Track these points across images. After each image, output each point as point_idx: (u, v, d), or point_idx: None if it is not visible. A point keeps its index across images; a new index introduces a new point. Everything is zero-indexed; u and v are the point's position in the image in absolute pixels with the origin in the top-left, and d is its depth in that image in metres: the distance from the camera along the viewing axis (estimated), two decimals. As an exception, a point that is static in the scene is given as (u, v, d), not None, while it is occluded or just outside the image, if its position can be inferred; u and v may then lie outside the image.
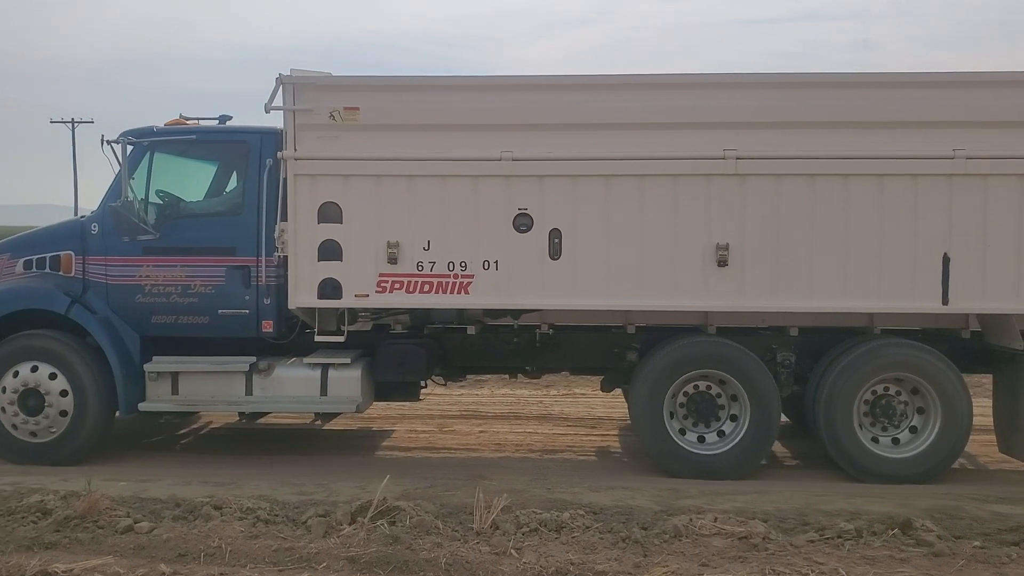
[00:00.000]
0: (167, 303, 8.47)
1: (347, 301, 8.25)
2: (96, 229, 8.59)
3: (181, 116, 9.01)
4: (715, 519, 6.43)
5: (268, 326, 8.45)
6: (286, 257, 8.24)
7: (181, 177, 8.89)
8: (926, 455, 8.05)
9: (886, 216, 7.88)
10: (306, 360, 8.52)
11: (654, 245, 8.00)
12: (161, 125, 8.85)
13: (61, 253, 8.67)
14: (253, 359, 8.49)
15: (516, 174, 8.02)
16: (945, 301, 7.91)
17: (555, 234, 8.05)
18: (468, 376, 9.72)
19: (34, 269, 8.74)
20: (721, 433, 8.29)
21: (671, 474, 8.13)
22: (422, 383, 9.10)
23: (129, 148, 8.45)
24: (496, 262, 8.09)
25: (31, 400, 8.40)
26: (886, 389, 8.17)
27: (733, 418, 8.26)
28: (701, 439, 8.31)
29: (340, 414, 9.02)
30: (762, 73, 8.20)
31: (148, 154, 8.60)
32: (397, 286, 8.18)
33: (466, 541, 6.14)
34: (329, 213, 8.15)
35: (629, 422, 9.13)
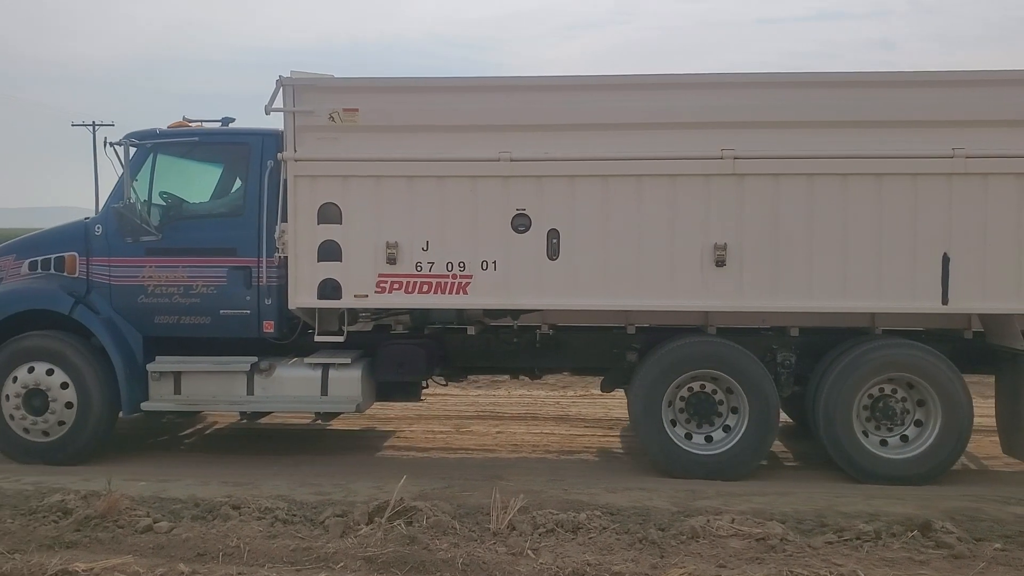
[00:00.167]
0: (169, 303, 8.54)
1: (347, 301, 8.29)
2: (100, 230, 8.68)
3: (184, 118, 9.10)
4: (732, 520, 6.42)
5: (269, 326, 8.51)
6: (287, 258, 8.30)
7: (184, 179, 8.97)
8: (926, 456, 8.00)
9: (885, 216, 7.85)
10: (307, 360, 8.58)
11: (652, 245, 8.00)
12: (164, 127, 8.93)
13: (65, 254, 8.76)
14: (254, 359, 8.56)
15: (514, 175, 8.04)
16: (945, 301, 7.87)
17: (553, 234, 8.07)
18: (469, 376, 9.75)
19: (39, 270, 8.84)
20: (720, 433, 8.27)
21: (670, 474, 8.13)
22: (423, 383, 9.14)
23: (132, 150, 8.55)
24: (494, 262, 8.12)
25: (36, 400, 8.50)
26: (886, 390, 8.13)
27: (732, 418, 8.25)
28: (700, 439, 8.30)
29: (341, 414, 9.06)
30: (760, 73, 8.20)
31: (151, 156, 8.68)
32: (396, 286, 8.22)
33: (483, 542, 6.15)
34: (329, 214, 8.20)
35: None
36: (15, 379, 8.51)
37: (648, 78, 8.16)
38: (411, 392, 9.09)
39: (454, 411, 11.26)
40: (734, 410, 8.24)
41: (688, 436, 8.30)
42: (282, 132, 8.27)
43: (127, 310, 8.60)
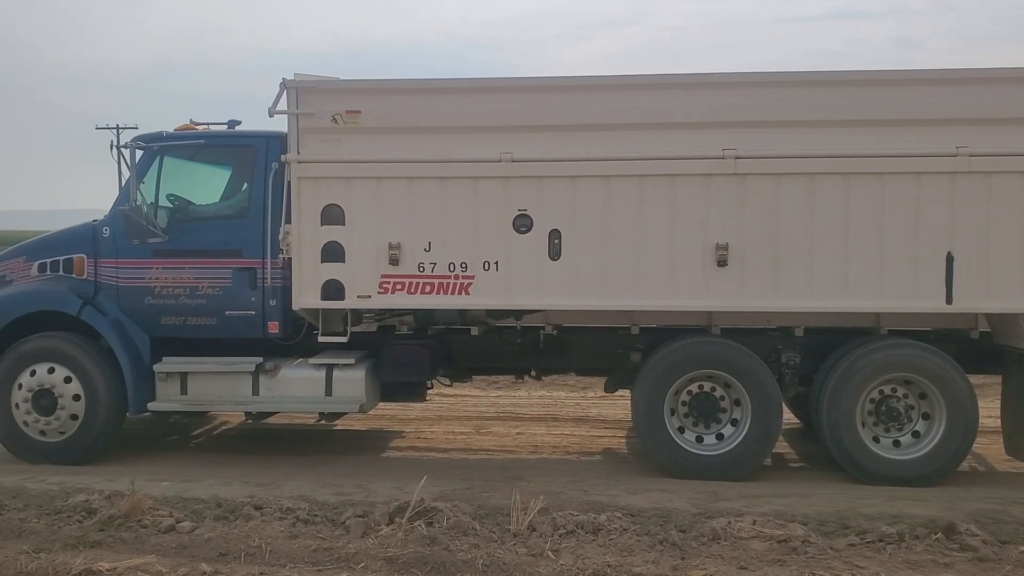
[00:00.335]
0: (176, 304, 8.63)
1: (350, 302, 8.34)
2: (107, 232, 8.78)
3: (191, 121, 9.19)
4: (754, 522, 6.39)
5: (274, 327, 8.58)
6: (291, 259, 8.35)
7: (190, 181, 9.05)
8: (931, 457, 7.95)
9: (888, 215, 7.81)
10: (311, 361, 8.64)
11: (653, 245, 8.00)
12: (171, 130, 9.02)
13: (74, 256, 8.87)
14: (259, 359, 8.63)
15: (516, 175, 8.06)
16: (949, 301, 7.82)
17: (555, 235, 8.08)
18: (474, 377, 9.78)
19: (48, 272, 8.94)
20: (722, 435, 8.26)
21: (671, 475, 8.13)
22: (428, 384, 9.17)
23: (139, 153, 8.64)
24: (496, 263, 8.14)
25: (44, 400, 8.60)
26: (892, 391, 8.09)
27: (734, 419, 8.23)
28: (701, 439, 8.29)
29: (345, 414, 9.11)
30: (760, 72, 8.16)
31: (158, 158, 8.77)
32: (399, 287, 8.25)
33: (503, 543, 6.15)
34: (332, 215, 8.25)
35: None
36: (24, 380, 8.62)
37: (649, 78, 8.16)
38: (415, 392, 9.12)
39: (474, 412, 11.31)
40: (736, 412, 8.22)
41: (690, 436, 8.29)
42: (286, 134, 8.33)
43: (134, 311, 8.69)
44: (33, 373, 8.63)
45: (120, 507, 6.58)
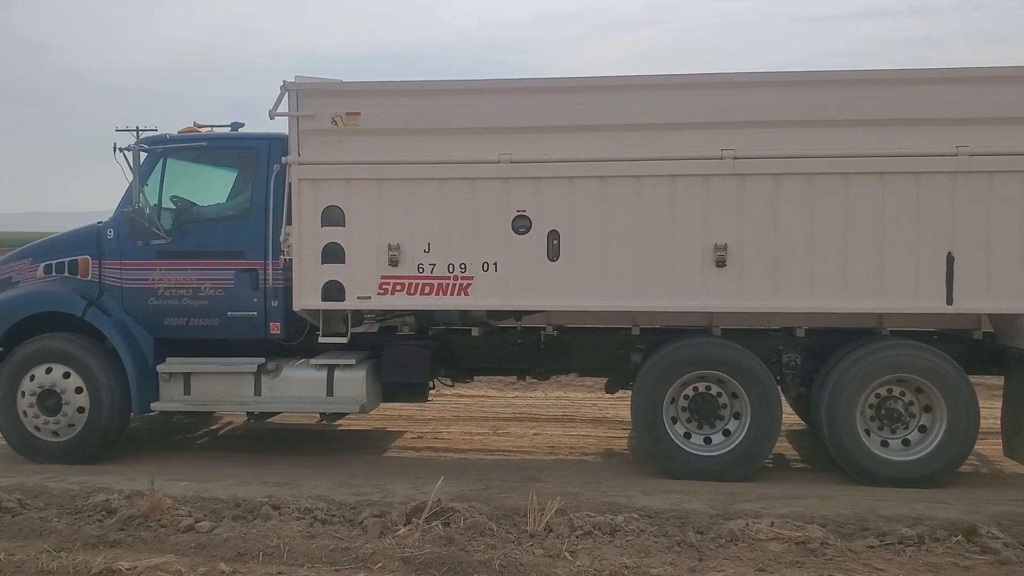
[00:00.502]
0: (179, 305, 8.70)
1: (350, 303, 8.38)
2: (111, 234, 8.86)
3: (195, 123, 9.27)
4: (772, 523, 6.34)
5: (275, 328, 8.64)
6: (292, 260, 8.40)
7: (193, 183, 9.13)
8: (932, 458, 7.91)
9: (887, 215, 7.78)
10: (312, 361, 8.69)
11: (652, 246, 8.00)
12: (175, 133, 9.10)
13: (79, 257, 8.95)
14: (261, 360, 8.68)
15: (514, 176, 8.09)
16: (950, 301, 7.77)
17: (553, 235, 8.09)
18: (475, 378, 9.80)
19: (54, 273, 9.04)
20: (721, 436, 8.24)
21: (670, 475, 8.12)
22: (429, 384, 9.20)
23: (143, 155, 8.71)
24: (495, 264, 8.16)
25: (49, 400, 8.69)
26: (892, 391, 8.05)
27: (734, 420, 8.22)
28: (702, 440, 8.28)
29: (346, 415, 9.16)
30: (759, 72, 8.16)
31: (161, 161, 8.85)
32: (398, 288, 8.29)
33: (520, 543, 6.14)
34: (332, 216, 8.29)
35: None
36: (29, 381, 8.70)
37: (647, 79, 8.16)
38: (417, 393, 9.15)
39: (491, 413, 11.33)
40: (736, 412, 8.21)
41: (689, 436, 8.28)
42: (287, 136, 8.37)
43: (138, 312, 8.77)
44: (38, 374, 8.71)
45: (140, 507, 6.62)
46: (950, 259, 7.74)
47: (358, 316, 8.86)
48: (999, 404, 8.48)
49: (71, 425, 8.70)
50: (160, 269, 8.73)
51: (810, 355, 8.33)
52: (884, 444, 8.04)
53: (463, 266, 8.19)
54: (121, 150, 8.63)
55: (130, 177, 8.67)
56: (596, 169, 8.03)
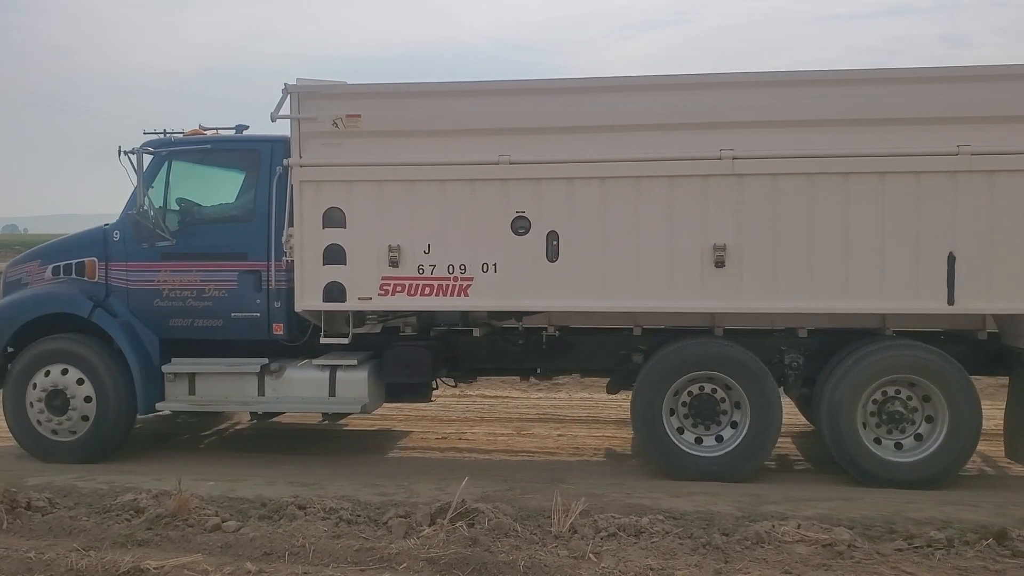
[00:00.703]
0: (183, 307, 8.79)
1: (351, 304, 8.43)
2: (118, 236, 8.97)
3: (200, 126, 9.35)
4: (798, 526, 6.30)
5: (278, 329, 8.71)
6: (294, 261, 8.46)
7: (197, 185, 9.22)
8: (934, 459, 7.85)
9: (888, 215, 7.72)
10: (315, 362, 8.75)
11: (651, 246, 7.99)
12: (180, 135, 9.20)
13: (86, 259, 9.07)
14: (265, 361, 8.75)
15: (513, 177, 8.10)
16: (951, 301, 7.71)
17: (552, 236, 8.10)
18: (479, 378, 9.83)
19: (61, 275, 9.16)
20: (721, 437, 8.22)
21: (669, 476, 8.12)
22: (433, 384, 9.24)
23: (148, 158, 8.82)
24: (495, 264, 8.18)
25: (57, 400, 8.81)
26: (894, 392, 7.98)
27: (734, 421, 8.19)
28: (700, 440, 8.26)
29: (349, 415, 9.22)
30: (758, 72, 8.12)
31: (166, 163, 8.95)
32: (399, 289, 8.33)
33: (544, 544, 6.14)
34: (333, 218, 8.34)
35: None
36: (38, 381, 8.83)
37: (646, 79, 8.15)
38: (420, 393, 9.19)
39: (515, 414, 11.36)
40: (736, 413, 8.18)
41: (689, 437, 8.26)
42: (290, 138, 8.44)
43: (143, 313, 8.87)
44: (47, 374, 8.83)
45: (167, 506, 6.69)
46: (951, 259, 7.68)
47: (360, 317, 8.91)
48: (1001, 405, 8.41)
49: (78, 425, 8.81)
50: (165, 271, 8.83)
51: (813, 356, 8.29)
52: (885, 445, 7.98)
53: (463, 267, 8.22)
54: (125, 153, 8.72)
55: (135, 180, 8.76)
56: (595, 170, 8.03)
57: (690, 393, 8.26)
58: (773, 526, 6.29)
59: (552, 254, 8.11)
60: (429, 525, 6.36)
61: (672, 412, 8.25)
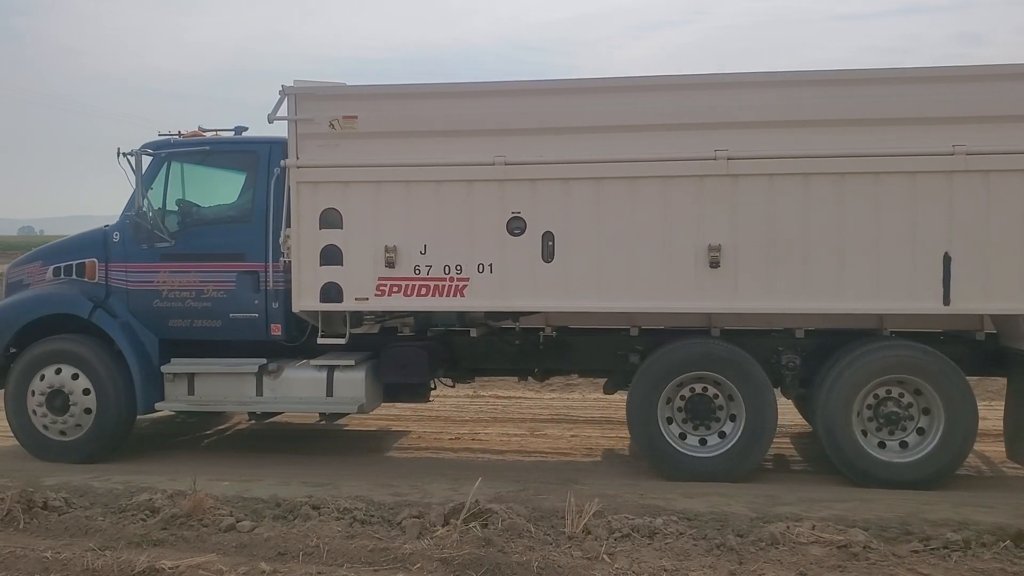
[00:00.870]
0: (182, 307, 8.85)
1: (348, 304, 8.46)
2: (117, 237, 9.04)
3: (199, 128, 9.40)
4: (813, 527, 6.27)
5: (276, 329, 8.75)
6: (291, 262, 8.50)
7: (196, 186, 9.26)
8: (930, 459, 7.83)
9: (883, 215, 7.71)
10: (313, 362, 8.79)
11: (646, 247, 7.99)
12: (180, 137, 9.25)
13: (86, 260, 9.13)
14: (263, 361, 8.80)
15: (509, 178, 8.12)
16: (947, 302, 7.68)
17: (548, 237, 8.11)
18: (476, 378, 9.85)
19: (62, 276, 9.24)
20: (718, 435, 8.22)
21: (664, 476, 8.12)
22: (431, 384, 9.27)
23: (147, 159, 8.87)
24: (490, 265, 8.20)
25: (57, 400, 8.88)
26: (888, 393, 7.97)
27: (730, 420, 8.19)
28: (697, 441, 8.25)
29: (347, 414, 9.25)
30: (752, 72, 8.10)
31: (165, 165, 9.00)
32: (395, 289, 8.35)
33: (558, 545, 6.13)
34: (330, 219, 8.38)
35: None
36: (38, 381, 8.89)
37: (640, 80, 8.15)
38: (418, 393, 9.24)
39: (528, 414, 11.38)
40: (731, 413, 8.18)
41: (684, 437, 8.27)
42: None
43: (143, 314, 8.93)
44: (47, 374, 8.90)
45: (182, 506, 6.71)
46: (947, 259, 7.65)
47: (358, 317, 8.94)
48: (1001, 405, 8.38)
49: (79, 425, 8.88)
50: (164, 271, 8.89)
51: (810, 356, 8.28)
52: (881, 445, 7.96)
53: (459, 267, 8.24)
54: (124, 155, 8.77)
55: (133, 181, 8.81)
56: (590, 170, 8.05)
57: (685, 395, 8.26)
58: (788, 527, 6.27)
59: (547, 255, 8.13)
60: (443, 525, 6.37)
61: (668, 413, 8.25)
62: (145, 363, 8.83)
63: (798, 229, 7.81)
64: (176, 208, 9.07)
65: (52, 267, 9.30)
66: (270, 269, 8.69)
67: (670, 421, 8.27)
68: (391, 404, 10.35)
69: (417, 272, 8.31)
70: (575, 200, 8.07)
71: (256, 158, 8.84)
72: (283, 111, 8.37)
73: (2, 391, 9.27)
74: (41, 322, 9.04)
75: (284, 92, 8.33)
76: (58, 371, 8.89)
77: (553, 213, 8.10)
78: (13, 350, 9.13)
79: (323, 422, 9.51)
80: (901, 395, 7.96)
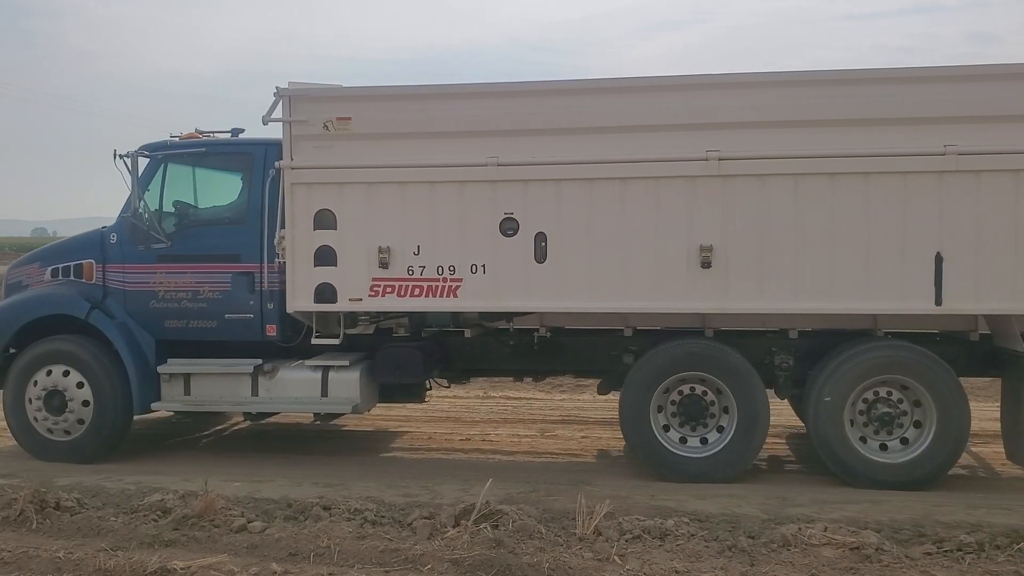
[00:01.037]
0: (179, 308, 8.90)
1: (342, 305, 8.50)
2: (115, 238, 9.09)
3: (197, 130, 9.45)
4: (825, 528, 6.24)
5: (272, 330, 8.79)
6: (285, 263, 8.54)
7: (192, 188, 9.31)
8: (921, 460, 7.82)
9: (874, 215, 7.71)
10: (308, 363, 8.82)
11: (638, 247, 8.01)
12: (177, 138, 9.31)
13: (83, 261, 9.20)
14: (259, 361, 8.84)
15: (501, 179, 8.14)
16: (939, 302, 7.67)
17: (540, 237, 8.14)
18: (472, 379, 9.89)
19: (60, 277, 9.30)
20: (710, 436, 8.22)
21: (657, 476, 8.13)
22: (426, 385, 9.31)
23: (144, 161, 8.92)
24: (483, 266, 8.23)
25: (55, 400, 8.94)
26: (879, 393, 7.96)
27: (722, 421, 8.19)
28: (691, 441, 8.26)
29: (341, 415, 9.30)
30: (743, 73, 8.12)
31: (162, 166, 9.06)
32: (389, 290, 8.39)
33: (569, 547, 6.11)
34: (324, 220, 8.42)
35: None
36: (37, 381, 8.96)
37: (633, 81, 8.18)
38: (414, 393, 9.27)
39: (539, 415, 11.40)
40: (723, 413, 8.19)
41: (676, 438, 8.27)
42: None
43: (140, 314, 8.99)
44: (46, 374, 8.96)
45: (194, 507, 6.73)
46: (938, 259, 7.65)
47: (352, 318, 8.97)
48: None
49: (76, 425, 8.94)
50: (161, 272, 8.93)
51: (803, 357, 8.29)
52: (873, 446, 7.96)
53: (452, 268, 8.28)
54: (120, 156, 8.82)
55: (130, 183, 8.86)
56: (582, 171, 8.06)
57: (680, 393, 8.27)
58: (799, 529, 6.24)
59: (540, 255, 8.15)
60: (453, 526, 6.37)
61: (660, 413, 8.26)
62: (141, 363, 8.88)
63: (790, 230, 7.82)
64: (172, 209, 9.12)
65: (50, 268, 9.37)
66: (265, 270, 8.74)
67: (662, 422, 8.28)
68: (401, 406, 10.42)
69: (410, 273, 8.34)
70: (568, 201, 8.09)
71: (251, 160, 8.89)
72: (278, 113, 8.41)
73: (1, 391, 9.33)
74: (39, 323, 9.10)
75: (279, 94, 8.38)
76: (57, 372, 8.94)
77: (546, 214, 8.12)
78: (12, 351, 9.20)
79: (318, 422, 9.55)
80: (892, 395, 7.94)
